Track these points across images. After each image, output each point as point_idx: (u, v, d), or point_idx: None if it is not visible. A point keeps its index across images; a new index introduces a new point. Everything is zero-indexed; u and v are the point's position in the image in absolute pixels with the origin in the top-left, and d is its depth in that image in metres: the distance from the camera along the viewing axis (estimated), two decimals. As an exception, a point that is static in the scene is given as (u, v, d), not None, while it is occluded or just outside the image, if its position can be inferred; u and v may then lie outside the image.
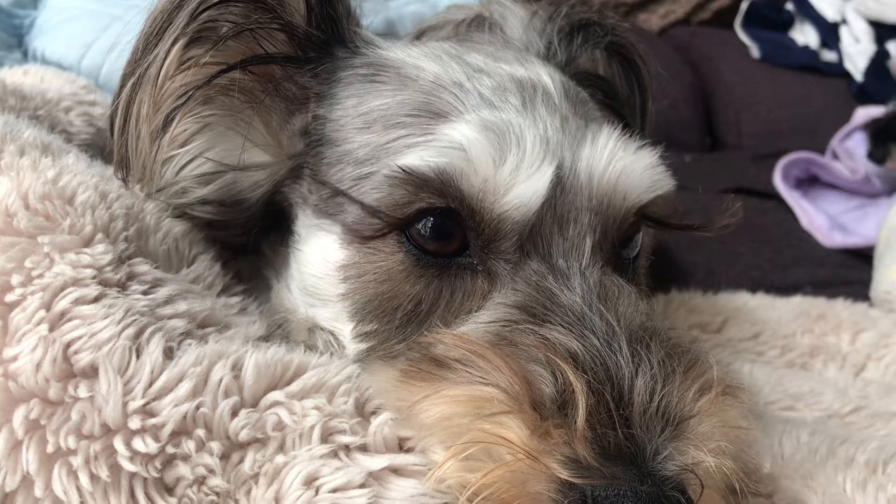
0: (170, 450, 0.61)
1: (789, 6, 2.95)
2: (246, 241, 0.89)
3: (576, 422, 0.59)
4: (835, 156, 2.32)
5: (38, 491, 0.58)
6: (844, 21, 2.78)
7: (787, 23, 2.94)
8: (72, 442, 0.59)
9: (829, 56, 2.80)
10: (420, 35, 1.10)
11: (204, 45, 0.79)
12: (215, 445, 0.62)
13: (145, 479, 0.60)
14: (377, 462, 0.63)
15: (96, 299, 0.65)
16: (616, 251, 0.79)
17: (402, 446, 0.66)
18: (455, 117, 0.74)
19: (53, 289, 0.64)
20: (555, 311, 0.68)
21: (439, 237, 0.73)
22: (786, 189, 2.14)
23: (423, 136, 0.73)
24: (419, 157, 0.71)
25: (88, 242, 0.70)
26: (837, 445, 0.83)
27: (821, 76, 2.72)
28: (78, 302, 0.64)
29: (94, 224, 0.72)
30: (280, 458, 0.62)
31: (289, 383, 0.67)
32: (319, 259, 0.78)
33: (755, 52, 2.79)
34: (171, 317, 0.70)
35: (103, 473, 0.59)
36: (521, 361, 0.64)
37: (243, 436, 0.63)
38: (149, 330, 0.66)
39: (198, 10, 0.77)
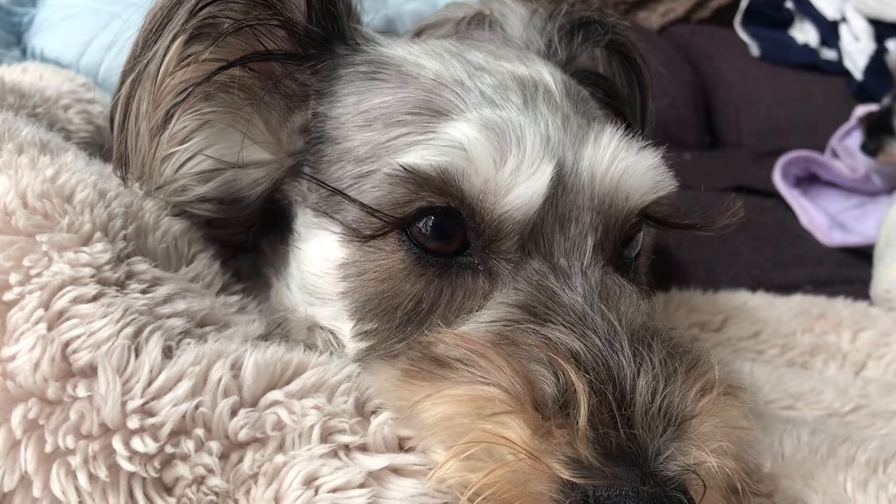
0: (169, 449, 0.60)
1: (789, 4, 2.95)
2: (245, 240, 0.89)
3: (577, 422, 0.59)
4: (834, 154, 2.32)
5: (36, 491, 0.58)
6: (844, 19, 2.78)
7: (787, 21, 2.94)
8: (70, 441, 0.58)
9: (828, 54, 2.80)
10: (419, 33, 1.10)
11: (204, 41, 0.78)
12: (214, 445, 0.61)
13: (144, 478, 0.60)
14: (377, 462, 0.62)
15: (95, 298, 0.65)
16: (617, 250, 0.79)
17: (402, 446, 0.65)
18: (456, 115, 0.73)
19: (52, 288, 0.64)
20: (556, 311, 0.68)
21: (440, 236, 0.72)
22: (785, 187, 2.14)
23: (423, 134, 0.73)
24: (420, 155, 0.70)
25: (87, 241, 0.70)
26: (838, 445, 0.83)
27: (820, 74, 2.73)
28: (76, 301, 0.64)
29: (93, 222, 0.71)
30: (279, 458, 0.62)
31: (288, 382, 0.67)
32: (319, 257, 0.78)
33: (755, 50, 2.79)
34: (169, 316, 0.69)
35: (102, 473, 0.58)
36: (523, 361, 0.64)
37: (242, 435, 0.62)
38: (148, 329, 0.65)
39: (198, 7, 0.77)
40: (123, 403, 0.60)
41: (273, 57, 0.81)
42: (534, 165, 0.71)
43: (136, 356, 0.63)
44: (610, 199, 0.75)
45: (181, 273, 0.78)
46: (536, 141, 0.71)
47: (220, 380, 0.64)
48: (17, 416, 0.58)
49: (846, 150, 2.26)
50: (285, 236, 0.85)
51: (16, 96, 0.98)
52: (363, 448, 0.64)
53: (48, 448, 0.58)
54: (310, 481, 0.60)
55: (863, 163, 2.18)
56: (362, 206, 0.73)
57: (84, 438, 0.59)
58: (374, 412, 0.67)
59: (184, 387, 0.62)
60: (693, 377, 0.66)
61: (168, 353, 0.65)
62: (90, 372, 0.61)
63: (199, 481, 0.61)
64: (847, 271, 1.81)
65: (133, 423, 0.60)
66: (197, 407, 0.62)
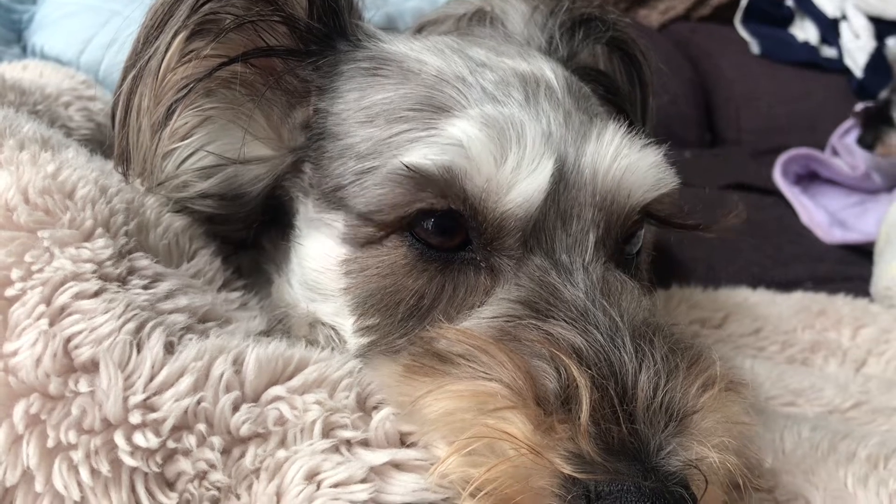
0: (171, 444, 0.60)
1: (789, 2, 2.95)
2: (246, 236, 0.89)
3: (579, 417, 0.59)
4: (834, 152, 2.32)
5: (38, 486, 0.58)
6: (844, 17, 2.78)
7: (787, 19, 2.93)
8: (72, 436, 0.58)
9: (828, 52, 2.80)
10: (420, 29, 1.10)
11: (205, 37, 0.78)
12: (216, 440, 0.62)
13: (146, 473, 0.60)
14: (379, 457, 0.63)
15: (96, 294, 0.65)
16: (619, 247, 0.79)
17: (404, 441, 0.65)
18: (458, 112, 0.73)
19: (53, 283, 0.64)
20: (558, 307, 0.68)
21: (441, 233, 0.72)
22: (785, 185, 2.14)
23: (425, 130, 0.73)
24: (422, 154, 0.70)
25: (88, 237, 0.70)
26: (839, 441, 0.83)
27: (821, 72, 2.72)
28: (78, 296, 0.64)
29: (95, 218, 0.71)
30: (281, 453, 0.62)
31: (290, 378, 0.67)
32: (321, 253, 0.78)
33: (755, 48, 2.79)
34: (171, 311, 0.69)
35: (104, 468, 0.58)
36: (525, 357, 0.64)
37: (244, 430, 0.63)
38: (149, 324, 0.65)
39: (199, 3, 0.77)
40: (125, 399, 0.60)
41: (274, 53, 0.81)
42: (534, 162, 0.71)
43: (138, 351, 0.63)
44: (612, 196, 0.75)
45: (182, 269, 0.78)
46: (537, 137, 0.71)
47: (221, 375, 0.64)
48: (19, 411, 0.58)
49: (846, 148, 2.26)
50: (286, 232, 0.85)
51: (16, 93, 0.98)
52: (365, 443, 0.64)
53: (50, 443, 0.58)
54: (311, 476, 0.60)
55: (863, 160, 2.18)
56: (361, 213, 0.73)
57: (86, 433, 0.59)
58: (375, 408, 0.67)
59: (186, 382, 0.62)
60: (694, 373, 0.66)
61: (170, 348, 0.65)
62: (92, 367, 0.61)
63: (201, 476, 0.61)
64: (847, 269, 1.81)
65: (135, 418, 0.60)
66: (199, 402, 0.62)
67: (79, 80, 1.19)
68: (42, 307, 0.62)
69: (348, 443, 0.64)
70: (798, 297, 1.36)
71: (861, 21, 2.74)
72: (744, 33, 2.86)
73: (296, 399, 0.65)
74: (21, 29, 1.58)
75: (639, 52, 1.05)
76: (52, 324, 0.62)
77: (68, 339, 0.61)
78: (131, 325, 0.64)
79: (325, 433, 0.64)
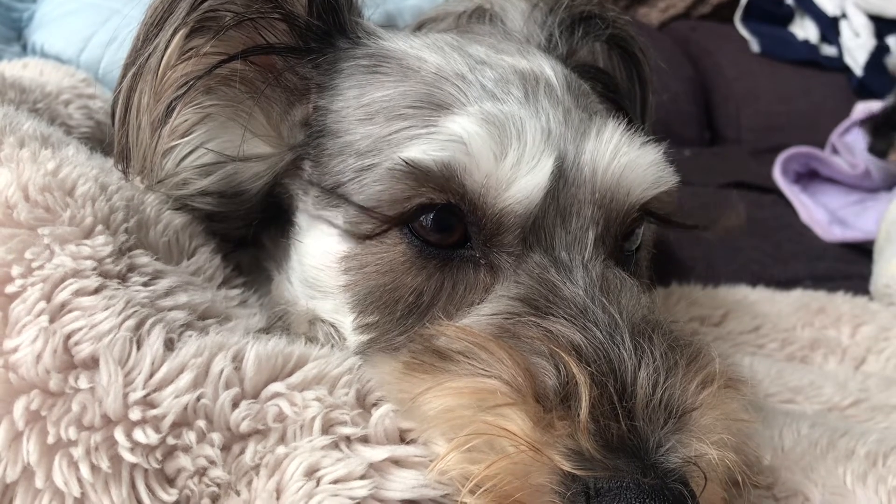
0: (170, 441, 0.60)
1: (789, 0, 2.94)
2: (246, 234, 0.89)
3: (579, 414, 0.59)
4: (834, 150, 2.32)
5: (38, 482, 0.58)
6: (844, 15, 2.78)
7: (787, 17, 2.94)
8: (72, 433, 0.58)
9: (828, 50, 2.80)
10: (420, 27, 1.09)
11: (205, 34, 0.78)
12: (216, 437, 0.62)
13: (146, 470, 0.60)
14: (378, 453, 0.63)
15: (97, 291, 0.65)
16: (618, 244, 0.79)
17: (403, 438, 0.65)
18: (457, 109, 0.73)
19: (54, 280, 0.64)
20: (557, 304, 0.68)
21: (440, 230, 0.72)
22: (785, 183, 2.14)
23: (425, 127, 0.73)
24: (422, 150, 0.70)
25: (89, 234, 0.70)
26: (838, 438, 0.83)
27: (821, 71, 2.73)
28: (78, 293, 0.64)
29: (95, 216, 0.71)
30: (281, 450, 0.62)
31: (290, 375, 0.67)
32: (320, 251, 0.78)
33: (755, 46, 2.79)
34: (171, 308, 0.69)
35: (104, 464, 0.58)
36: (524, 354, 0.64)
37: (244, 427, 0.63)
38: (149, 321, 0.66)
39: (199, 0, 0.77)
40: (125, 395, 0.60)
41: (274, 50, 0.81)
42: (534, 159, 0.71)
43: (138, 348, 0.63)
44: (611, 194, 0.75)
45: (182, 266, 0.78)
46: (537, 134, 0.71)
47: (221, 372, 0.64)
48: (19, 407, 0.58)
49: (846, 147, 2.26)
50: (286, 230, 0.85)
51: (16, 91, 0.98)
52: (364, 440, 0.64)
53: (50, 439, 0.58)
54: (311, 472, 0.60)
55: (863, 159, 2.18)
56: (361, 208, 0.73)
57: (86, 430, 0.59)
58: (375, 404, 0.67)
59: (185, 378, 0.62)
60: (694, 370, 0.66)
61: (170, 345, 0.65)
62: (92, 364, 0.61)
63: (201, 473, 0.61)
64: (847, 267, 1.81)
65: (135, 414, 0.60)
66: (199, 399, 0.62)
67: (79, 78, 1.19)
68: (42, 304, 0.62)
69: (348, 439, 0.64)
70: (797, 295, 1.36)
71: (861, 19, 2.74)
72: (744, 32, 2.86)
73: (295, 396, 0.65)
74: (21, 27, 1.58)
75: (638, 50, 1.05)
76: (52, 320, 0.62)
77: (68, 336, 0.61)
78: (131, 322, 0.64)
79: (325, 430, 0.64)
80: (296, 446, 0.62)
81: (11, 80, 0.99)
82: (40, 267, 0.64)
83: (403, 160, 0.70)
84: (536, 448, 0.59)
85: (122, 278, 0.69)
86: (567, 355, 0.62)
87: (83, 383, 0.60)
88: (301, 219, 0.83)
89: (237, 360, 0.66)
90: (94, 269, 0.67)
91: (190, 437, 0.61)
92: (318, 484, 0.60)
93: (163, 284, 0.71)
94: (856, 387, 1.08)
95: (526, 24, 0.99)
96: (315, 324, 0.79)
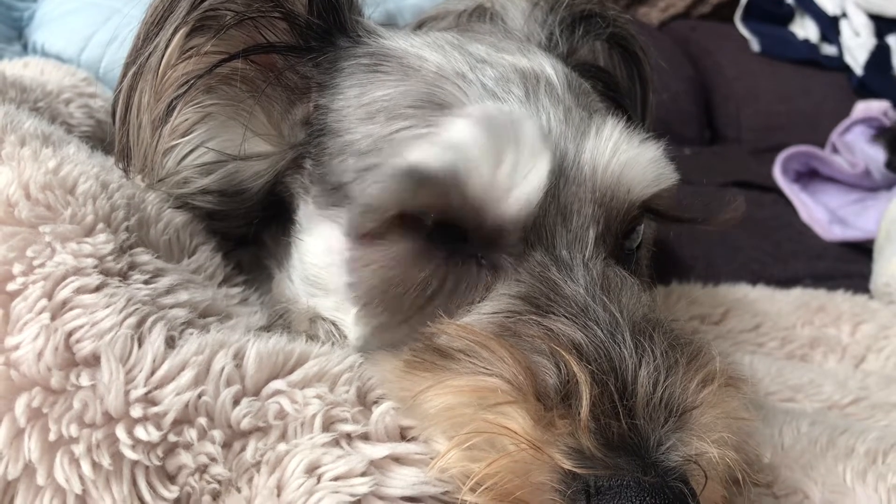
0: (172, 438, 0.60)
1: (789, 0, 2.94)
2: (247, 232, 0.89)
3: (579, 412, 0.59)
4: (834, 149, 2.32)
5: (40, 479, 0.58)
6: (844, 15, 2.78)
7: (787, 16, 2.94)
8: (74, 430, 0.58)
9: (829, 50, 2.80)
10: (420, 25, 1.09)
11: (206, 33, 0.78)
12: (217, 434, 0.62)
13: (147, 467, 0.60)
14: (379, 450, 0.63)
15: (98, 288, 0.65)
16: (619, 243, 0.79)
17: (404, 436, 0.65)
18: (458, 109, 0.73)
19: (55, 278, 0.64)
20: (558, 303, 0.68)
21: (442, 229, 0.72)
22: (785, 182, 2.14)
23: (426, 127, 0.73)
24: (423, 154, 0.70)
25: (90, 232, 0.70)
26: (837, 436, 0.83)
27: (821, 70, 2.73)
28: (80, 291, 0.64)
29: (96, 214, 0.72)
30: (282, 447, 0.62)
31: (290, 372, 0.67)
32: (322, 249, 0.78)
33: (755, 45, 2.79)
34: (172, 306, 0.69)
35: (105, 462, 0.58)
36: (525, 352, 0.64)
37: (245, 424, 0.63)
38: (150, 319, 0.66)
39: None
40: (126, 392, 0.60)
41: (274, 49, 0.81)
42: (532, 160, 0.71)
43: (139, 346, 0.63)
44: (611, 192, 0.75)
45: (183, 264, 0.78)
46: (536, 135, 0.71)
47: (222, 369, 0.64)
48: (20, 404, 0.58)
49: (846, 146, 2.26)
50: (287, 228, 0.85)
51: (17, 90, 0.98)
52: (365, 437, 0.64)
53: (52, 437, 0.58)
54: (312, 469, 0.61)
55: (862, 159, 2.18)
56: (363, 207, 0.73)
57: (87, 427, 0.59)
58: (376, 402, 0.67)
59: (186, 376, 0.63)
60: (694, 368, 0.66)
61: (171, 343, 0.65)
62: (93, 361, 0.61)
63: (202, 470, 0.61)
64: (846, 266, 1.81)
65: (136, 411, 0.60)
66: (200, 396, 0.62)
67: (79, 77, 1.19)
68: (44, 301, 0.62)
69: (348, 436, 0.64)
70: (797, 294, 1.36)
71: (861, 19, 2.74)
72: (744, 31, 2.86)
73: (296, 393, 0.65)
74: (22, 26, 1.58)
75: (638, 49, 1.05)
76: (53, 318, 0.62)
77: (70, 334, 0.62)
78: (132, 320, 0.64)
79: (326, 427, 0.64)
80: (296, 443, 0.62)
81: (12, 79, 0.99)
82: (41, 265, 0.64)
83: (404, 164, 0.70)
84: (537, 446, 0.59)
85: (124, 276, 0.69)
86: (568, 354, 0.62)
87: (84, 381, 0.60)
88: (302, 217, 0.83)
89: (238, 357, 0.66)
90: (96, 266, 0.67)
91: (191, 434, 0.61)
92: (318, 481, 0.60)
93: (164, 282, 0.71)
94: (856, 385, 1.08)
95: (526, 23, 0.99)
96: (316, 322, 0.79)
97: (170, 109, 0.79)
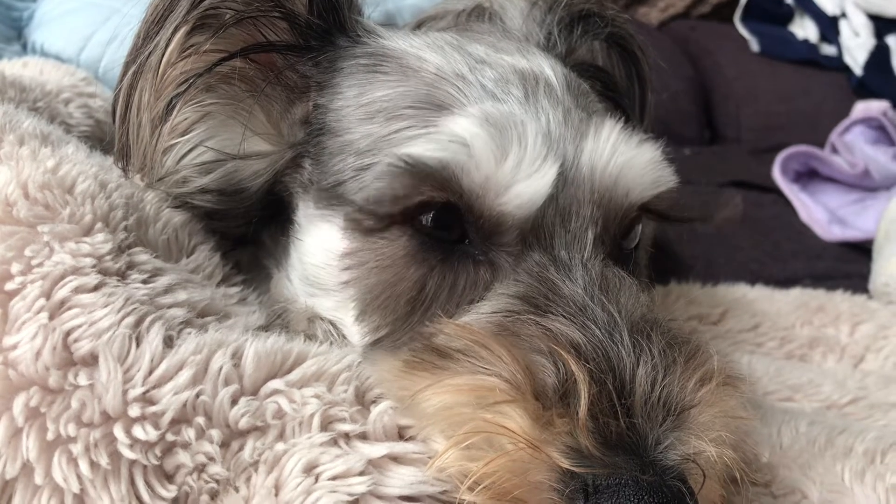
0: (170, 437, 0.61)
1: (789, 0, 2.94)
2: (245, 232, 0.89)
3: (578, 411, 0.59)
4: (834, 150, 2.32)
5: (38, 478, 0.58)
6: (844, 15, 2.78)
7: (787, 17, 2.94)
8: (72, 429, 0.58)
9: (828, 50, 2.80)
10: (419, 25, 1.10)
11: (205, 32, 0.78)
12: (215, 433, 0.62)
13: (145, 466, 0.60)
14: (377, 450, 0.63)
15: (96, 288, 0.65)
16: (617, 243, 0.79)
17: (402, 435, 0.65)
18: (457, 109, 0.73)
19: (53, 277, 0.64)
20: (557, 302, 0.68)
21: (440, 228, 0.73)
22: (785, 182, 2.14)
23: (425, 128, 0.73)
24: (422, 149, 0.70)
25: (88, 231, 0.70)
26: (836, 435, 0.83)
27: (820, 70, 2.73)
28: (78, 290, 0.64)
29: (94, 213, 0.72)
30: (280, 446, 0.62)
31: (288, 372, 0.67)
32: (321, 248, 0.78)
33: (755, 45, 2.79)
34: (170, 306, 0.69)
35: (103, 461, 0.58)
36: (524, 351, 0.64)
37: (243, 424, 0.63)
38: (149, 318, 0.66)
39: None
40: (124, 392, 0.60)
41: (274, 48, 0.81)
42: (535, 163, 0.71)
43: (137, 345, 0.63)
44: (610, 194, 0.75)
45: (182, 264, 0.78)
46: (538, 138, 0.71)
47: (220, 369, 0.64)
48: (18, 404, 0.58)
49: (845, 146, 2.26)
50: (286, 228, 0.85)
51: (16, 90, 0.98)
52: (363, 436, 0.64)
53: (50, 436, 0.58)
54: (310, 469, 0.61)
55: (862, 159, 2.18)
56: (363, 203, 0.73)
57: (85, 426, 0.59)
58: (374, 401, 0.67)
59: (185, 375, 0.63)
60: (692, 367, 0.66)
61: (169, 342, 0.65)
62: (91, 361, 0.61)
63: (200, 469, 0.61)
64: (846, 266, 1.81)
65: (134, 411, 0.60)
66: (198, 395, 0.62)
67: (79, 77, 1.19)
68: (42, 301, 0.62)
69: (346, 436, 0.64)
70: (797, 294, 1.35)
71: (860, 19, 2.74)
72: (743, 31, 2.86)
73: (294, 392, 0.65)
74: (21, 26, 1.58)
75: (637, 49, 1.05)
76: (51, 317, 0.62)
77: (68, 333, 0.62)
78: (130, 319, 0.64)
79: (324, 426, 0.64)
80: (294, 443, 0.62)
81: (11, 78, 0.99)
82: (40, 264, 0.64)
83: (404, 158, 0.70)
84: (535, 445, 0.59)
85: (122, 276, 0.69)
86: (566, 353, 0.62)
87: (82, 380, 0.60)
88: (301, 217, 0.83)
89: (236, 357, 0.66)
90: (94, 266, 0.67)
91: (189, 433, 0.61)
92: (316, 480, 0.60)
93: (162, 282, 0.71)
94: (854, 385, 1.08)
95: (525, 23, 0.99)
96: (314, 321, 0.80)
97: (169, 108, 0.79)
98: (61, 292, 0.63)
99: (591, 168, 0.74)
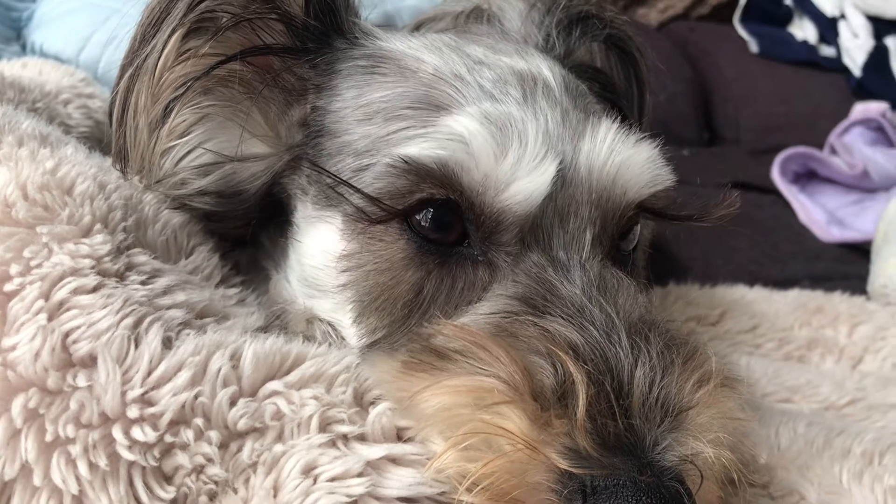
0: (168, 439, 0.61)
1: (788, 1, 2.95)
2: (244, 233, 0.89)
3: (576, 412, 0.59)
4: (833, 151, 2.32)
5: (36, 479, 0.58)
6: (843, 16, 2.78)
7: (786, 18, 2.94)
8: (70, 431, 0.58)
9: (827, 51, 2.80)
10: (418, 26, 1.10)
11: (202, 35, 0.78)
12: (214, 434, 0.62)
13: (144, 467, 0.60)
14: (375, 451, 0.63)
15: (95, 289, 0.65)
16: (615, 244, 0.79)
17: (400, 436, 0.65)
18: (456, 109, 0.74)
19: (52, 279, 0.64)
20: (555, 303, 0.68)
21: (439, 227, 0.73)
22: (783, 184, 2.14)
23: (423, 128, 0.73)
24: (421, 147, 0.71)
25: (87, 233, 0.70)
26: (834, 437, 0.84)
27: (819, 71, 2.73)
28: (76, 292, 0.64)
29: (93, 214, 0.72)
30: (278, 448, 0.62)
31: (287, 373, 0.67)
32: (319, 250, 0.78)
33: (754, 46, 2.79)
34: (169, 307, 0.69)
35: (102, 462, 0.59)
36: (522, 352, 0.64)
37: (242, 425, 0.63)
38: (147, 320, 0.66)
39: (195, 1, 0.77)
40: (123, 393, 0.60)
41: (271, 51, 0.81)
42: (535, 161, 0.71)
43: (136, 346, 0.63)
44: (607, 194, 0.75)
45: (180, 265, 0.78)
46: (538, 136, 0.72)
47: (219, 370, 0.64)
48: (17, 405, 0.58)
49: (844, 147, 2.26)
50: (284, 229, 0.85)
51: (15, 91, 0.98)
52: (361, 438, 0.64)
53: (48, 437, 0.58)
54: (308, 470, 0.61)
55: (861, 160, 2.18)
56: (364, 195, 0.73)
57: (84, 428, 0.59)
58: (372, 403, 0.67)
59: (183, 377, 0.63)
60: (690, 368, 0.66)
61: (168, 343, 0.65)
62: (90, 362, 0.61)
63: (199, 470, 0.61)
64: (844, 267, 1.81)
65: (133, 412, 0.60)
66: (196, 397, 0.62)
67: (78, 77, 1.19)
68: (41, 302, 0.62)
69: (345, 437, 0.64)
70: (795, 295, 1.36)
71: (860, 20, 2.74)
72: (742, 32, 2.86)
73: (293, 394, 0.65)
74: (20, 27, 1.58)
75: (635, 50, 1.05)
76: (50, 319, 0.62)
77: (67, 334, 0.62)
78: (129, 321, 0.64)
79: (322, 428, 0.64)
80: (293, 444, 0.62)
81: (10, 79, 0.99)
82: (38, 265, 0.64)
83: (402, 157, 0.70)
84: (533, 446, 0.59)
85: (121, 277, 0.69)
86: (564, 354, 0.62)
87: (81, 381, 0.60)
88: (299, 218, 0.83)
89: (235, 358, 0.66)
90: (93, 267, 0.67)
91: (188, 434, 0.61)
92: (315, 482, 0.60)
93: (161, 283, 0.71)
94: (853, 386, 1.08)
95: (523, 25, 0.99)
96: (313, 322, 0.80)
97: (167, 111, 0.79)
98: (60, 293, 0.63)
99: (589, 168, 0.74)
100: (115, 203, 0.75)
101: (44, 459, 0.58)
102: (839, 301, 1.33)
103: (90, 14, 1.49)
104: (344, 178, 0.75)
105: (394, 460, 0.63)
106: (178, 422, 0.61)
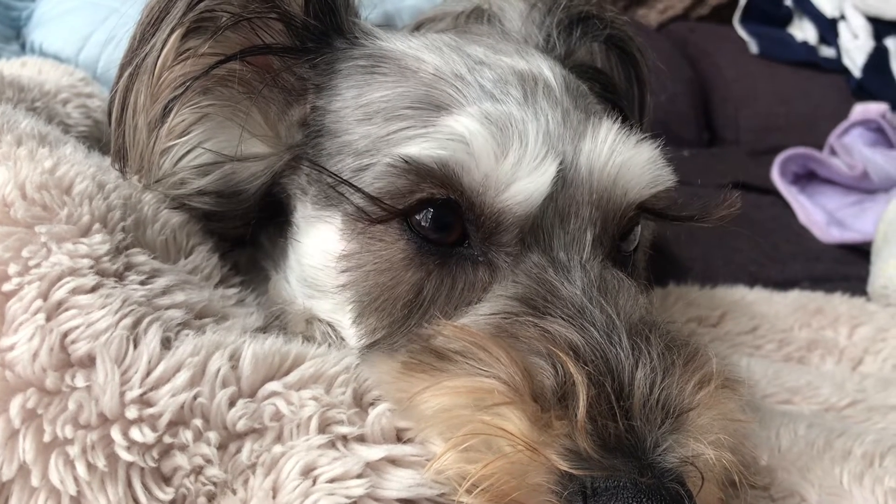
0: (167, 440, 0.60)
1: (788, 2, 2.95)
2: (244, 233, 0.89)
3: (576, 413, 0.59)
4: (833, 152, 2.32)
5: (34, 480, 0.58)
6: (843, 17, 2.78)
7: (786, 18, 2.94)
8: (69, 431, 0.58)
9: (827, 52, 2.80)
10: (418, 26, 1.10)
11: (202, 35, 0.78)
12: (213, 435, 0.62)
13: (142, 468, 0.60)
14: (375, 452, 0.62)
15: (93, 289, 0.65)
16: (616, 245, 0.79)
17: (400, 437, 0.65)
18: (456, 109, 0.73)
19: (50, 278, 0.64)
20: (555, 304, 0.68)
21: (439, 227, 0.72)
22: (783, 184, 2.14)
23: (423, 128, 0.73)
24: (421, 147, 0.71)
25: (86, 232, 0.70)
26: (834, 438, 0.83)
27: (819, 72, 2.73)
28: (75, 292, 0.64)
29: (92, 214, 0.71)
30: (278, 449, 0.62)
31: (286, 374, 0.67)
32: (319, 250, 0.78)
33: (753, 47, 2.79)
34: (168, 307, 0.69)
35: (100, 463, 0.58)
36: (522, 353, 0.64)
37: (241, 426, 0.63)
38: (146, 320, 0.65)
39: (195, 0, 0.76)
40: (122, 393, 0.60)
41: (271, 51, 0.81)
42: (536, 161, 0.71)
43: (135, 347, 0.63)
44: (608, 194, 0.75)
45: (180, 265, 0.78)
46: (539, 137, 0.72)
47: (218, 370, 0.64)
48: (15, 405, 0.58)
49: (844, 148, 2.26)
50: (284, 229, 0.85)
51: (14, 90, 0.98)
52: (361, 439, 0.64)
53: (47, 438, 0.58)
54: (308, 471, 0.60)
55: (861, 160, 2.18)
56: (365, 194, 0.72)
57: (82, 428, 0.59)
58: (372, 403, 0.67)
59: (182, 377, 0.62)
60: (691, 370, 0.66)
61: (166, 344, 0.65)
62: (88, 362, 0.61)
63: (198, 471, 0.61)
64: (844, 268, 1.81)
65: (131, 413, 0.60)
66: (195, 397, 0.62)
67: (77, 77, 1.19)
68: (39, 302, 0.62)
69: (344, 438, 0.64)
70: (795, 296, 1.36)
71: (859, 21, 2.74)
72: (742, 33, 2.86)
73: (292, 395, 0.65)
74: (20, 26, 1.58)
75: (636, 50, 1.05)
76: (49, 319, 0.62)
77: (65, 334, 0.61)
78: (128, 321, 0.64)
79: (322, 429, 0.64)
80: (292, 445, 0.62)
81: (10, 78, 0.99)
82: (37, 265, 0.64)
83: (402, 157, 0.70)
84: (533, 448, 0.59)
85: (119, 277, 0.69)
86: (564, 355, 0.62)
87: (80, 382, 0.60)
88: (299, 218, 0.82)
89: (234, 358, 0.66)
90: (91, 267, 0.67)
91: (186, 435, 0.61)
92: (314, 483, 0.60)
93: (160, 283, 0.71)
94: (853, 387, 1.08)
95: (524, 25, 0.99)
96: (312, 323, 0.79)
97: (166, 111, 0.79)
98: (59, 293, 0.63)
99: (590, 168, 0.74)
100: (113, 203, 0.75)
101: (42, 460, 0.58)
102: (839, 302, 1.33)
103: (89, 13, 1.49)
104: (344, 178, 0.75)
105: (393, 461, 0.63)
106: (177, 422, 0.61)
